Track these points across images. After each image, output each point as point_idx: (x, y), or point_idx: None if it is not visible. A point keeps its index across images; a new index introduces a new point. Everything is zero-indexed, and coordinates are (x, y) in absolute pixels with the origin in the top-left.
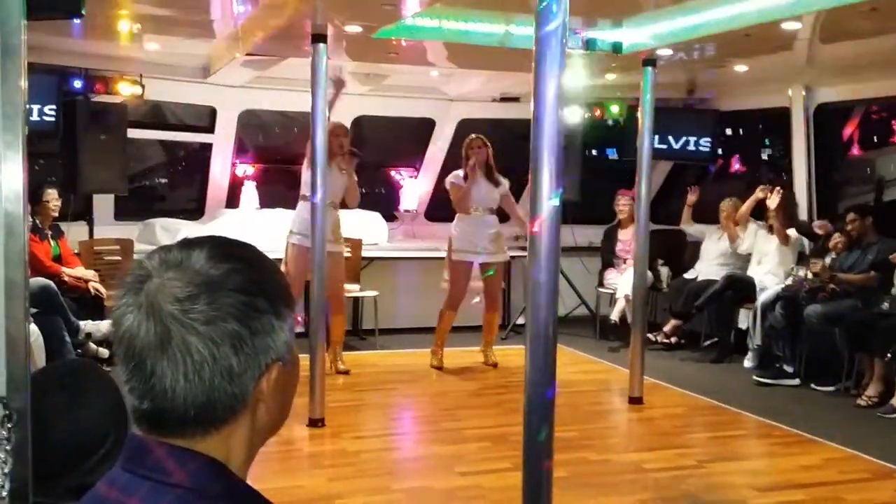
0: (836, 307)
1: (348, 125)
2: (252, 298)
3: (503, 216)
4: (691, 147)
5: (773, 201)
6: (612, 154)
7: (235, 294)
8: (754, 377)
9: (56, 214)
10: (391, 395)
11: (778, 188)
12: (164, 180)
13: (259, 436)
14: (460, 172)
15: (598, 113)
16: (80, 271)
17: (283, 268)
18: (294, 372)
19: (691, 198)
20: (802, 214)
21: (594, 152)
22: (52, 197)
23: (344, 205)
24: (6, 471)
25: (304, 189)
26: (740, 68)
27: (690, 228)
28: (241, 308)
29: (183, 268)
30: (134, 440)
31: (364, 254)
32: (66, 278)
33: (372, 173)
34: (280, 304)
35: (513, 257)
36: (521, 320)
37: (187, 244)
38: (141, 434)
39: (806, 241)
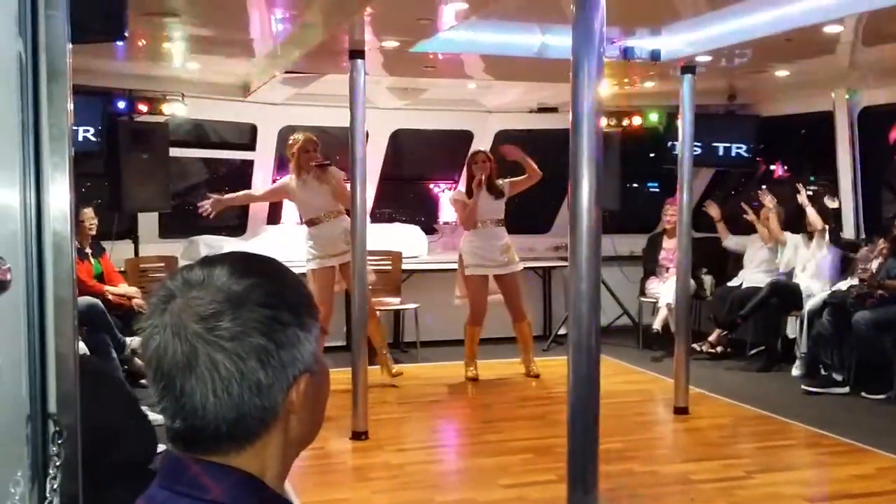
0: (884, 313)
1: (386, 139)
2: (276, 312)
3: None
4: (733, 154)
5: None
6: (652, 162)
7: (259, 308)
8: (802, 386)
9: (93, 233)
10: (434, 407)
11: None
12: (206, 198)
13: (293, 447)
14: (463, 189)
15: (637, 120)
16: (123, 288)
17: None
18: (324, 382)
19: (714, 212)
20: (849, 220)
21: (633, 160)
22: (88, 216)
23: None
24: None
25: (301, 217)
26: (781, 73)
27: (730, 242)
28: (265, 322)
29: (205, 286)
30: (170, 458)
31: (404, 267)
32: (109, 297)
33: (410, 186)
34: (304, 316)
35: (553, 267)
36: (563, 331)
37: (208, 262)
38: (177, 452)
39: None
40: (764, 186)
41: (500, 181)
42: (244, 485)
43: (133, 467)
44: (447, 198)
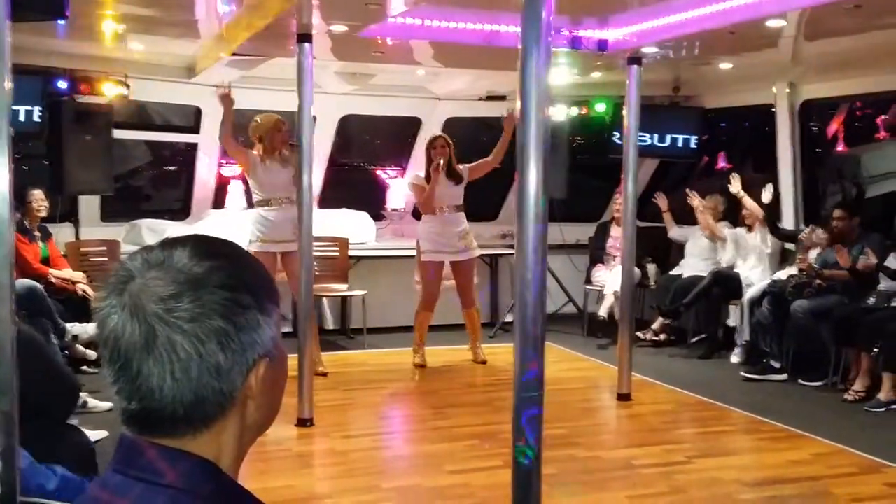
0: (822, 302)
1: (334, 124)
2: (236, 294)
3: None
4: (678, 144)
5: (735, 187)
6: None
7: (219, 291)
8: (742, 373)
9: (43, 215)
10: (380, 394)
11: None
12: (150, 181)
13: (249, 433)
14: (421, 173)
15: (584, 111)
16: (68, 273)
17: None
18: (282, 367)
19: (662, 203)
20: (788, 211)
21: (580, 150)
22: (37, 198)
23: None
24: None
25: (256, 195)
26: (725, 66)
27: (675, 233)
28: (225, 304)
29: (165, 267)
30: (125, 441)
31: (351, 253)
32: (53, 280)
33: (359, 172)
34: (264, 300)
35: (500, 255)
36: (509, 318)
37: (169, 243)
38: (131, 435)
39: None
40: (688, 189)
41: (459, 166)
42: (200, 470)
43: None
44: (404, 182)
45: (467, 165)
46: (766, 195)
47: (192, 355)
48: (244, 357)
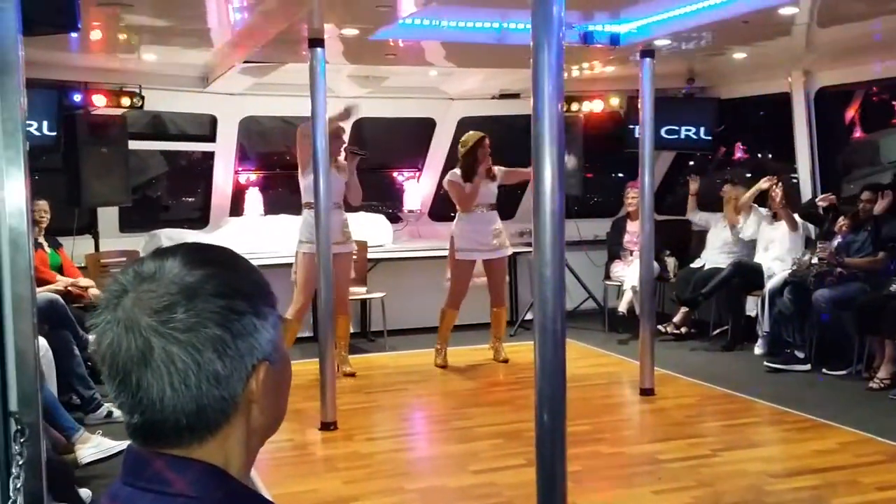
0: (844, 291)
1: (348, 128)
2: (230, 301)
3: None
4: (694, 136)
5: (777, 194)
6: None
7: (213, 299)
8: (765, 363)
9: (44, 224)
10: (402, 395)
11: (778, 180)
12: (167, 191)
13: (256, 437)
14: (458, 171)
15: (599, 105)
16: (79, 280)
17: (292, 276)
18: (284, 370)
19: (693, 185)
20: (807, 198)
21: (595, 145)
22: (41, 208)
23: (348, 204)
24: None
25: (306, 196)
26: (739, 56)
27: (696, 217)
28: (220, 312)
29: (157, 278)
30: (132, 453)
31: (370, 256)
32: (61, 287)
33: (374, 175)
34: (260, 304)
35: (518, 253)
36: (529, 316)
37: (160, 254)
38: (138, 447)
39: (812, 227)
40: (692, 175)
41: (496, 167)
42: (209, 476)
43: None
44: (444, 181)
45: (504, 168)
46: (764, 185)
47: (189, 365)
48: (243, 363)
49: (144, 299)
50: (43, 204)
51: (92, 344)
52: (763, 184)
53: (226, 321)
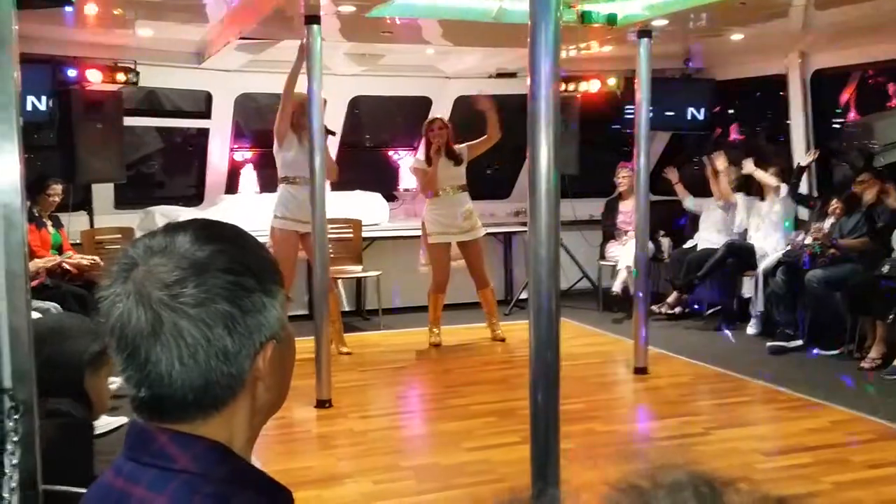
0: (836, 271)
1: (344, 105)
2: (240, 278)
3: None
4: (689, 117)
5: (749, 168)
6: (610, 126)
7: (223, 274)
8: (768, 343)
9: (55, 206)
10: (397, 374)
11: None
12: (162, 167)
13: (260, 415)
14: (421, 156)
15: (596, 85)
16: (78, 258)
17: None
18: (290, 348)
19: (672, 177)
20: (802, 180)
21: (591, 125)
22: (56, 191)
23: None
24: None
25: (283, 171)
26: (736, 37)
27: (689, 203)
28: (230, 288)
29: (168, 253)
30: (136, 428)
31: (364, 234)
32: (66, 266)
33: (370, 153)
34: (269, 282)
35: (514, 232)
36: (524, 295)
37: (171, 229)
38: (142, 422)
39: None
40: (706, 157)
41: (457, 146)
42: (212, 453)
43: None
44: (406, 165)
45: (465, 145)
46: (748, 167)
47: (199, 340)
48: (251, 340)
49: (155, 273)
50: (57, 187)
51: (101, 316)
52: (720, 167)
53: (235, 297)
